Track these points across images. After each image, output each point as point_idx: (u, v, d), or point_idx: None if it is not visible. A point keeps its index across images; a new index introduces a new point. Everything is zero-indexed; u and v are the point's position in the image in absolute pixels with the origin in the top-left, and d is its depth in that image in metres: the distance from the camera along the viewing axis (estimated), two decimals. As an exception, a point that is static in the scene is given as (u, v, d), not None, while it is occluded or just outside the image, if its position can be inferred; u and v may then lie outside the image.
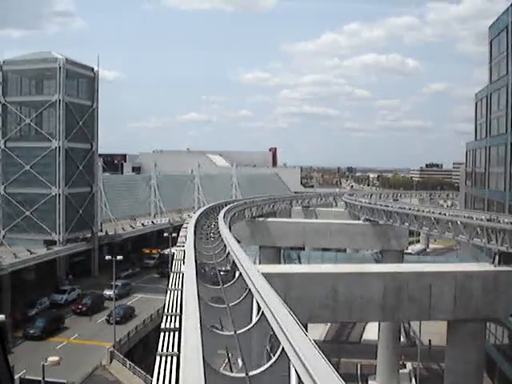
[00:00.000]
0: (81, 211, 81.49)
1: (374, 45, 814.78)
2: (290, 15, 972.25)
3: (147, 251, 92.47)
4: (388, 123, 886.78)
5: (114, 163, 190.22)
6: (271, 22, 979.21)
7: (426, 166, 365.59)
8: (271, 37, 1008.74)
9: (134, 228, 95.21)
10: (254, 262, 42.87)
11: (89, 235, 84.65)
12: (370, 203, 68.24)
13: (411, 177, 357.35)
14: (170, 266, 43.00)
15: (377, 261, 74.38)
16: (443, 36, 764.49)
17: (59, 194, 77.31)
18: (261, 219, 69.26)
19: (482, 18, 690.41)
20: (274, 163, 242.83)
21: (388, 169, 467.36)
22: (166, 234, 72.74)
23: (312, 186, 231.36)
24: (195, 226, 34.70)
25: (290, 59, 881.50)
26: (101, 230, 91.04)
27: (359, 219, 70.79)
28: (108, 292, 69.34)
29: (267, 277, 16.82)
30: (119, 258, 59.67)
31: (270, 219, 70.74)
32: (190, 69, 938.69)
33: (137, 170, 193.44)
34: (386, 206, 62.34)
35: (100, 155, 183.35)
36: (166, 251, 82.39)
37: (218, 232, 33.96)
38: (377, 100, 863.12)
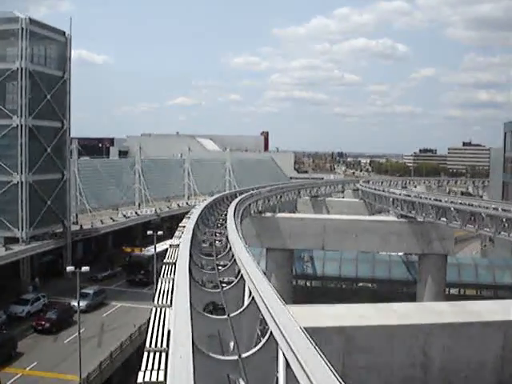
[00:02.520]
0: (49, 202, 66.19)
1: (364, 29, 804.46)
2: None
3: (128, 250, 77.05)
4: (378, 108, 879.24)
5: (100, 147, 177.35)
6: (262, 5, 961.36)
7: (420, 151, 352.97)
8: (262, 21, 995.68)
9: (114, 220, 79.94)
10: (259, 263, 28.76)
11: (60, 230, 69.65)
12: (408, 195, 53.58)
13: (405, 162, 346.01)
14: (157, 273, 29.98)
15: (407, 266, 60.07)
16: (433, 21, 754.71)
17: (22, 182, 61.99)
18: (269, 214, 54.65)
19: (472, 3, 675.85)
20: (266, 148, 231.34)
21: (378, 154, 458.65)
22: (149, 232, 58.16)
23: (306, 172, 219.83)
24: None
25: (280, 44, 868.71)
26: (76, 223, 76.46)
27: (379, 212, 56.82)
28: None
29: (315, 333, 10.77)
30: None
31: (280, 215, 56.20)
32: (179, 53, 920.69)
33: (123, 154, 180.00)
34: (432, 199, 47.74)
35: (85, 139, 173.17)
36: (148, 250, 67.91)
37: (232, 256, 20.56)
38: (367, 85, 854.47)
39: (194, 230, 24.23)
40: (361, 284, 60.17)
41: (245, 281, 15.39)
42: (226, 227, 26.78)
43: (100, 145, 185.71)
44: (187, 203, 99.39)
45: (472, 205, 41.92)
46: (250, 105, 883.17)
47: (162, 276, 17.02)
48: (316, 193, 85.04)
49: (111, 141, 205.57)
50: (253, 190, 58.52)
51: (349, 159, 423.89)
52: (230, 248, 20.50)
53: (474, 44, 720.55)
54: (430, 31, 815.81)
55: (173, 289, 14.86)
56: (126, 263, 69.90)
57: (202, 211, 31.90)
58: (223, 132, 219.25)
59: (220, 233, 26.84)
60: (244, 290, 15.38)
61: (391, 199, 56.29)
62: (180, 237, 23.47)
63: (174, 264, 17.75)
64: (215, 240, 24.90)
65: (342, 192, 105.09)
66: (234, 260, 18.55)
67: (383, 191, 62.20)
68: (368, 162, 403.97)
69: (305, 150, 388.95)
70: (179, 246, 20.44)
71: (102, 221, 77.86)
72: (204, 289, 16.26)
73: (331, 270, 60.16)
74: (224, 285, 16.52)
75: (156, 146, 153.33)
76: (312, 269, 60.37)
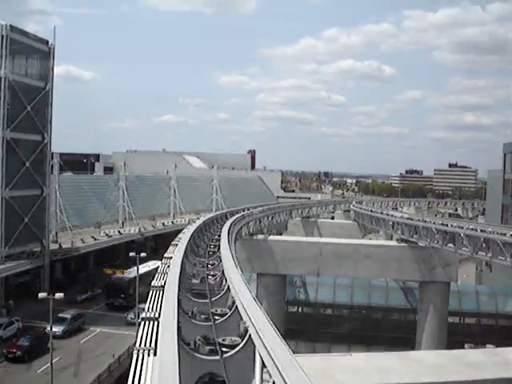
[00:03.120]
0: (27, 219, 62.11)
1: (351, 51, 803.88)
2: (269, 20, 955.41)
3: (109, 271, 72.69)
4: (364, 129, 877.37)
5: (85, 163, 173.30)
6: (250, 25, 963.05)
7: (406, 172, 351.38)
8: (250, 40, 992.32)
9: (96, 239, 75.64)
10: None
11: (37, 249, 65.40)
12: (410, 219, 49.98)
13: (391, 183, 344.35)
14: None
15: (406, 293, 56.35)
16: (420, 44, 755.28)
17: (-3, 198, 58.18)
18: (260, 237, 50.77)
19: (458, 27, 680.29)
20: (253, 166, 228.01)
21: (364, 174, 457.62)
22: (132, 254, 54.31)
23: (293, 191, 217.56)
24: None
25: (268, 63, 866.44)
26: (56, 242, 72.19)
27: (369, 233, 53.03)
28: (53, 328, 51.26)
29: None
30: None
31: (272, 238, 52.33)
32: (166, 71, 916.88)
33: (109, 170, 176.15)
34: (438, 223, 44.10)
35: (70, 154, 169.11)
36: (130, 272, 63.89)
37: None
38: (353, 106, 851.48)
39: (182, 262, 19.94)
40: (356, 311, 56.37)
41: (255, 345, 11.04)
42: (219, 257, 22.77)
43: (85, 160, 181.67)
44: (172, 222, 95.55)
45: (485, 231, 38.40)
46: (237, 123, 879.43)
47: (138, 344, 12.26)
48: (307, 214, 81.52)
49: (97, 157, 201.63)
50: (244, 210, 54.99)
51: (335, 179, 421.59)
52: (228, 288, 16.53)
53: (459, 67, 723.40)
54: (417, 54, 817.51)
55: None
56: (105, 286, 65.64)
57: (190, 236, 27.81)
58: (210, 150, 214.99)
59: (213, 264, 22.94)
60: (254, 360, 10.83)
61: (391, 222, 52.79)
62: (165, 273, 19.49)
63: (157, 320, 13.51)
64: (208, 275, 20.70)
65: (333, 213, 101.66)
66: (236, 307, 14.31)
67: (381, 213, 58.70)
68: (354, 182, 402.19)
69: (291, 169, 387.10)
70: (164, 289, 16.08)
71: (82, 240, 73.55)
72: (197, 355, 11.85)
73: (325, 297, 56.34)
74: (225, 349, 12.03)
75: (142, 162, 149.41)
76: (304, 294, 56.52)
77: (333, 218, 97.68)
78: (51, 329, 41.27)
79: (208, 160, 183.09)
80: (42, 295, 38.31)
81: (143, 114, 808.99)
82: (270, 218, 59.57)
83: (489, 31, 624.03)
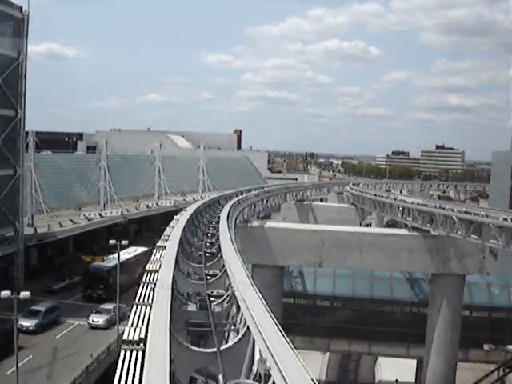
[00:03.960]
0: (-3, 202, 56.58)
1: (337, 31, 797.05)
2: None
3: (87, 259, 66.73)
4: (349, 110, 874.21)
5: (67, 142, 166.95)
6: (236, 4, 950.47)
7: (393, 153, 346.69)
8: (236, 20, 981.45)
9: (74, 223, 69.85)
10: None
11: (11, 234, 59.71)
12: (424, 205, 44.57)
13: (377, 164, 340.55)
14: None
15: (412, 285, 51.26)
16: (406, 25, 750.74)
17: (-36, 178, 52.49)
18: (256, 223, 45.11)
19: (445, 8, 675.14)
20: (239, 146, 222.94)
21: (349, 155, 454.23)
22: (112, 241, 48.89)
23: (279, 172, 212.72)
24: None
25: (254, 43, 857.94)
26: (32, 225, 66.56)
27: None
28: (25, 322, 46.19)
29: None
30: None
31: (270, 224, 46.62)
32: (151, 49, 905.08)
33: (92, 149, 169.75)
34: (462, 211, 38.73)
35: (51, 133, 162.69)
36: (110, 260, 58.43)
37: None
38: (339, 86, 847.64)
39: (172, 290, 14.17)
40: (358, 304, 51.22)
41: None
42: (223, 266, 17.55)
43: (66, 139, 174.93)
44: (157, 204, 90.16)
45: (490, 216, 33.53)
46: (222, 103, 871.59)
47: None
48: (302, 197, 76.29)
49: (80, 136, 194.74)
50: (237, 195, 49.67)
51: (320, 160, 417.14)
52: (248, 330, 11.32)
53: (445, 49, 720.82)
54: (403, 35, 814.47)
55: None
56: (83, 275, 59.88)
57: (179, 243, 21.62)
58: (195, 130, 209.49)
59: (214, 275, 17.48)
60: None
61: (400, 208, 47.50)
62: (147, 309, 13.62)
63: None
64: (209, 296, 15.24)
65: (326, 195, 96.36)
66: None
67: (388, 198, 53.37)
68: (340, 163, 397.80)
69: (276, 149, 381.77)
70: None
71: (60, 223, 67.75)
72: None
73: (324, 288, 51.07)
74: None
75: (126, 141, 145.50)
76: (302, 285, 51.28)
77: (321, 200, 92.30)
78: (16, 336, 35.79)
79: (193, 140, 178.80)
80: (4, 294, 32.55)
81: (128, 93, 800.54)
82: (265, 202, 54.21)
83: (476, 13, 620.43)
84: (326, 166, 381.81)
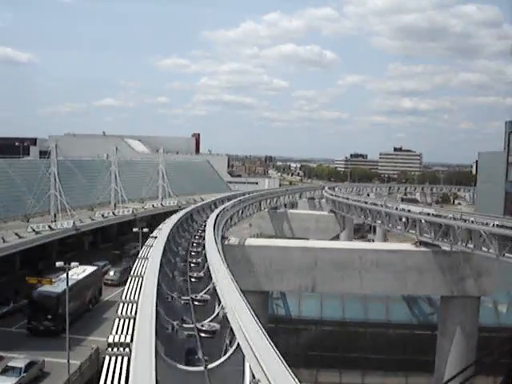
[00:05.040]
0: None
1: (293, 35, 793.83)
2: (211, 2, 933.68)
3: (33, 281, 56.11)
4: (305, 114, 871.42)
5: (17, 147, 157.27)
6: (191, 8, 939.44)
7: (351, 156, 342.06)
8: (191, 24, 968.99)
9: (20, 237, 60.29)
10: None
11: None
12: (438, 215, 37.09)
13: (336, 167, 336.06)
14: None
15: (410, 306, 44.06)
16: (360, 29, 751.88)
17: None
18: (233, 241, 36.96)
19: (398, 13, 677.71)
20: (198, 150, 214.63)
21: (306, 158, 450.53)
22: (58, 264, 39.81)
23: (239, 176, 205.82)
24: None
25: (210, 47, 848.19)
26: (-30, 240, 57.10)
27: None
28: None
29: None
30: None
31: (252, 242, 38.57)
32: (106, 54, 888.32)
33: (45, 154, 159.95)
34: (491, 224, 31.39)
35: (4, 138, 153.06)
36: (59, 281, 49.18)
37: None
38: (295, 90, 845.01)
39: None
40: (349, 328, 43.76)
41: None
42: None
43: (16, 144, 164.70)
44: (113, 213, 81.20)
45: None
46: (178, 107, 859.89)
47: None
48: (275, 204, 68.69)
49: (34, 141, 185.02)
50: (211, 206, 41.87)
51: (278, 163, 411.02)
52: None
53: (398, 53, 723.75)
54: (357, 39, 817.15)
55: None
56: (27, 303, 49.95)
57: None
58: (152, 134, 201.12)
59: None
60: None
61: (403, 219, 40.08)
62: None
63: None
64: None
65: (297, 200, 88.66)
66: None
67: (384, 207, 45.82)
68: (298, 166, 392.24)
69: (234, 153, 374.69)
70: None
71: (3, 239, 58.45)
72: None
73: (310, 311, 43.67)
74: None
75: (80, 146, 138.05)
76: (284, 309, 43.77)
77: (292, 207, 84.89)
78: None
79: (150, 144, 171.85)
80: None
81: (83, 98, 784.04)
82: (240, 213, 46.24)
83: (427, 18, 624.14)
84: (284, 170, 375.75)
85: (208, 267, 17.49)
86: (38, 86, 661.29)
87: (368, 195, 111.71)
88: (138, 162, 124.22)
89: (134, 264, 20.46)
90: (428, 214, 37.10)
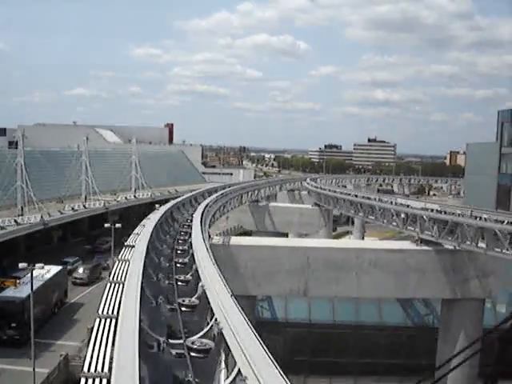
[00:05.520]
0: None
1: (266, 26, 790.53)
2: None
3: None
4: (279, 104, 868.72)
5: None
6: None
7: (325, 146, 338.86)
8: (164, 13, 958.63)
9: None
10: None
11: None
12: (442, 211, 33.55)
13: (310, 158, 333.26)
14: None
15: (404, 307, 40.73)
16: (333, 20, 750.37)
17: None
18: (217, 239, 33.09)
19: (371, 4, 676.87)
20: (171, 140, 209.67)
21: (281, 149, 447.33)
22: (22, 265, 35.61)
23: (214, 166, 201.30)
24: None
25: (183, 36, 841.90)
26: None
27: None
28: None
29: None
30: None
31: (237, 241, 34.43)
32: (77, 42, 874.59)
33: (15, 145, 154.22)
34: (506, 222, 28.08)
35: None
36: (24, 284, 44.78)
37: None
38: (268, 81, 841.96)
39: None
40: (340, 331, 40.34)
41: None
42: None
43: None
44: (84, 206, 76.92)
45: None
46: (151, 97, 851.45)
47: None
48: (256, 196, 65.00)
49: (3, 131, 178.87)
50: (192, 201, 37.99)
51: (252, 154, 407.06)
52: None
53: (371, 44, 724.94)
54: (331, 30, 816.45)
55: None
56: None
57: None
58: (124, 124, 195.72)
59: None
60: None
61: (402, 215, 36.59)
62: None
63: None
64: None
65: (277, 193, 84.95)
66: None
67: (379, 201, 42.23)
68: (272, 157, 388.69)
69: (208, 143, 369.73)
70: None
71: (-37, 235, 54.13)
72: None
73: (298, 313, 40.09)
74: None
75: (51, 137, 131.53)
76: (270, 311, 40.20)
77: (268, 199, 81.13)
78: None
79: (123, 134, 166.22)
80: None
81: (54, 87, 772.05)
82: (222, 208, 42.42)
83: (400, 9, 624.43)
84: (258, 161, 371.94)
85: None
86: (7, 74, 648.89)
87: (345, 187, 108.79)
88: (109, 152, 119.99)
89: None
90: (431, 210, 33.71)
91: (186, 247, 20.73)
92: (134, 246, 19.91)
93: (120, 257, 18.36)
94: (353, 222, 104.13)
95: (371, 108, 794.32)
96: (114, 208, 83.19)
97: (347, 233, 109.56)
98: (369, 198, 44.90)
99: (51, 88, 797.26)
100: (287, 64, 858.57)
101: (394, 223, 38.44)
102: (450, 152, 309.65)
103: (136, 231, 23.83)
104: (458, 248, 31.63)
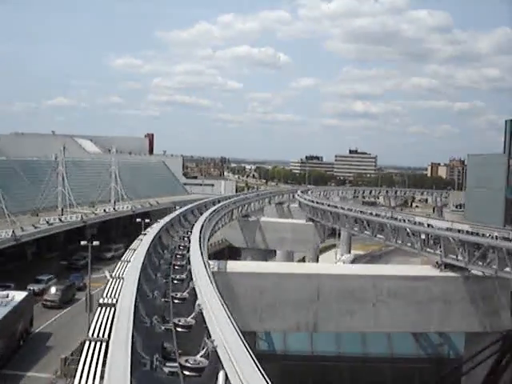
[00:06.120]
0: None
1: (247, 37, 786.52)
2: (165, 2, 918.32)
3: None
4: (260, 116, 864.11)
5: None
6: (145, 7, 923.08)
7: (307, 158, 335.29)
8: (145, 23, 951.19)
9: None
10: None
11: None
12: (475, 233, 28.97)
13: (291, 169, 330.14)
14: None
15: (416, 338, 36.08)
16: (314, 32, 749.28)
17: None
18: (213, 265, 28.16)
19: (351, 17, 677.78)
20: (151, 151, 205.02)
21: (261, 160, 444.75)
22: None
23: (195, 177, 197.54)
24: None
25: (164, 47, 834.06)
26: None
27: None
28: None
29: None
30: None
31: (234, 267, 29.65)
32: (58, 52, 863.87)
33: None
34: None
35: None
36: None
37: None
38: (249, 92, 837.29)
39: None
40: (346, 365, 35.62)
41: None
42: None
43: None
44: (60, 219, 71.67)
45: None
46: (131, 108, 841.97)
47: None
48: (246, 211, 60.24)
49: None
50: (181, 220, 33.16)
51: (232, 165, 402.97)
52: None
53: (351, 57, 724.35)
54: (311, 42, 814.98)
55: None
56: None
57: None
58: (105, 134, 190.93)
59: None
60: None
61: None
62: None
63: None
64: None
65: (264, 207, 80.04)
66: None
67: (390, 219, 37.31)
68: (253, 168, 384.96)
69: (188, 154, 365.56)
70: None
71: None
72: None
73: (298, 345, 35.41)
74: None
75: (28, 146, 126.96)
76: (268, 342, 35.39)
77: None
78: None
79: (102, 144, 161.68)
80: None
81: (33, 97, 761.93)
82: (213, 227, 37.48)
83: (380, 22, 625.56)
84: (239, 171, 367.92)
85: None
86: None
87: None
88: (88, 162, 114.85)
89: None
90: (460, 231, 29.16)
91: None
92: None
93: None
94: (339, 235, 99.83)
95: (350, 120, 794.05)
96: (92, 221, 77.93)
97: (334, 246, 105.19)
98: (378, 215, 40.14)
99: (30, 97, 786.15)
100: (268, 76, 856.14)
101: (409, 244, 33.81)
102: (431, 164, 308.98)
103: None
104: (487, 274, 27.25)
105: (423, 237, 31.68)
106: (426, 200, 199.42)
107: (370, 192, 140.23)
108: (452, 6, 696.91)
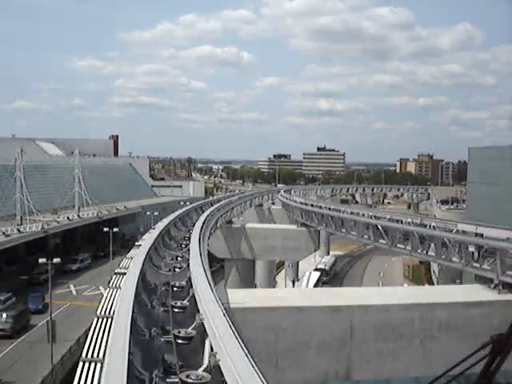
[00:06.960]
0: None
1: (210, 37, 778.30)
2: (126, 3, 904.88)
3: None
4: (225, 115, 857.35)
5: None
6: (107, 8, 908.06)
7: (274, 156, 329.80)
8: (107, 24, 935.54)
9: None
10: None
11: None
12: None
13: (259, 168, 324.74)
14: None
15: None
16: (277, 31, 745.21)
17: None
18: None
19: (313, 16, 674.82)
20: (116, 152, 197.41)
21: (228, 160, 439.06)
22: None
23: (162, 179, 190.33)
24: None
25: (126, 48, 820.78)
26: None
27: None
28: None
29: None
30: None
31: (240, 298, 22.82)
32: (17, 54, 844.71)
33: None
34: None
35: None
36: None
37: None
38: (213, 92, 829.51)
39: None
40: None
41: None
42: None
43: None
44: (18, 230, 63.90)
45: None
46: (95, 110, 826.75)
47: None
48: (229, 217, 53.38)
49: None
50: (164, 238, 26.25)
51: (199, 165, 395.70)
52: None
53: (315, 55, 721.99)
54: (274, 41, 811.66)
55: None
56: None
57: None
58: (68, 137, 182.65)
59: None
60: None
61: (471, 249, 25.07)
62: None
63: None
64: None
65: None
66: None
67: (418, 225, 30.64)
68: (220, 168, 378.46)
69: (154, 155, 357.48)
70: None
71: None
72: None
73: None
74: None
75: None
76: None
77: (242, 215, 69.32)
78: None
79: (65, 146, 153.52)
80: None
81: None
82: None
83: (342, 20, 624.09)
84: (206, 172, 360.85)
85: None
86: None
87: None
88: (49, 166, 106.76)
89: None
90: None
91: None
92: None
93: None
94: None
95: (315, 118, 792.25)
96: (54, 231, 70.18)
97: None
98: (399, 222, 33.18)
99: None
100: (232, 75, 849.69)
101: (452, 258, 27.12)
102: (400, 159, 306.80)
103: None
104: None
105: (471, 249, 25.10)
106: (397, 196, 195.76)
107: (348, 190, 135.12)
108: (413, 3, 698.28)
